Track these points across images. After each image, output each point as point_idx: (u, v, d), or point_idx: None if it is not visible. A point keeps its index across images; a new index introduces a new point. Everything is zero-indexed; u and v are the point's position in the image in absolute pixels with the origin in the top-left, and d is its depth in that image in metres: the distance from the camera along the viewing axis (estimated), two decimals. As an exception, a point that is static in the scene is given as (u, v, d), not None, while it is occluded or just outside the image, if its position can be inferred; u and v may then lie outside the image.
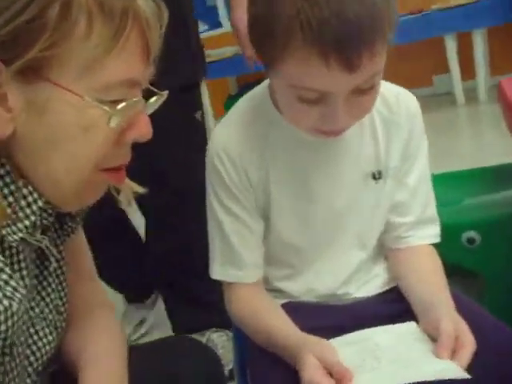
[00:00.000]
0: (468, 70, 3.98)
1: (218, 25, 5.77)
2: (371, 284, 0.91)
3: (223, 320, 1.22)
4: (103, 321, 0.79)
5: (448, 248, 0.92)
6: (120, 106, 0.57)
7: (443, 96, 4.31)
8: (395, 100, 0.85)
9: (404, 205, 0.88)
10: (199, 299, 1.53)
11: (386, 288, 0.92)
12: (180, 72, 1.28)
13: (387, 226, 0.90)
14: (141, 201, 1.13)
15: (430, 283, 0.84)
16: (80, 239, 0.80)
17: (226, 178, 0.82)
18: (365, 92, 0.69)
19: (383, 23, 0.64)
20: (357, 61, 0.63)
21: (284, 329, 0.80)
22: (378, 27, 0.64)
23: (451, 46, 3.97)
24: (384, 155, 0.85)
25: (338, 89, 0.67)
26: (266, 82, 0.84)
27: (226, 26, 5.60)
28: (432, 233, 0.90)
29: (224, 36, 5.25)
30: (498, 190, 1.37)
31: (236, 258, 0.85)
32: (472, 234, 1.25)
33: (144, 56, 0.59)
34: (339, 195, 0.85)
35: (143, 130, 0.62)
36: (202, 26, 6.13)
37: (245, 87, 4.20)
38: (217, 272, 0.87)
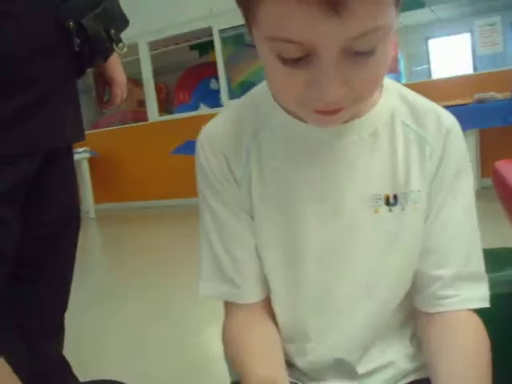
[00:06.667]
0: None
1: (218, 105, 5.95)
2: (381, 374, 0.72)
3: None
4: None
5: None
6: None
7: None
8: (427, 112, 0.69)
9: (440, 252, 0.69)
10: None
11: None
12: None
13: (417, 279, 0.71)
14: None
15: (469, 368, 0.64)
16: None
17: (207, 170, 0.67)
18: (361, 56, 0.52)
19: None
20: None
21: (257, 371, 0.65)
22: None
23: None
24: (403, 175, 0.67)
25: (322, 39, 0.50)
26: None
27: (225, 107, 5.78)
28: (479, 294, 0.70)
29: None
30: (495, 271, 1.32)
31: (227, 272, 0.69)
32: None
33: None
34: (338, 223, 0.67)
35: None
36: (202, 107, 6.31)
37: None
38: (204, 288, 0.70)
